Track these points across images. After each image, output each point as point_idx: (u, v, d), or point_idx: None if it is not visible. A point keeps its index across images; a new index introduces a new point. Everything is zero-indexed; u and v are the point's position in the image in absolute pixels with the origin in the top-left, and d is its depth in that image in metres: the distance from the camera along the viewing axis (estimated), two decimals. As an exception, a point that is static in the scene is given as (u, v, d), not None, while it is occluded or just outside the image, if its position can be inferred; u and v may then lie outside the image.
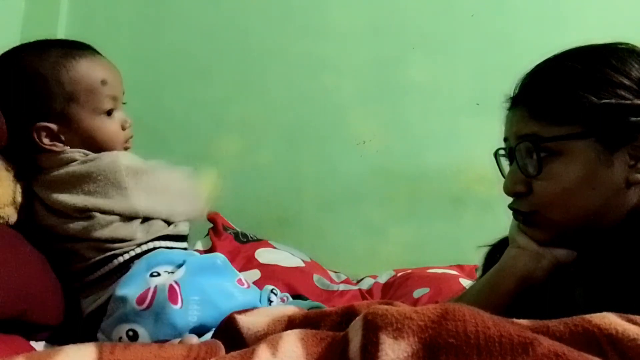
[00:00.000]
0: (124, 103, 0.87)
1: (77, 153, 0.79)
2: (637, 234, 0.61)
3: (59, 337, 0.74)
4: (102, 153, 0.79)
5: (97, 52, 0.85)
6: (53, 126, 0.78)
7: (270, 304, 0.79)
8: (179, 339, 0.63)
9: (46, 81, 0.78)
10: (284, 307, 0.68)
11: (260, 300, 0.80)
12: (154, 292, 0.71)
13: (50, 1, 1.66)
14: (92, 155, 0.79)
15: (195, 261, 0.77)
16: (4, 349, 0.59)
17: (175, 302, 0.70)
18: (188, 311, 0.70)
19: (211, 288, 0.74)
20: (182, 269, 0.74)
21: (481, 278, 0.75)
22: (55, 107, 0.78)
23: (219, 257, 0.80)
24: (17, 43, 0.83)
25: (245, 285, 0.81)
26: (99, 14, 1.74)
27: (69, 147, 0.79)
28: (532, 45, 1.25)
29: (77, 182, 0.77)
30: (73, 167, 0.78)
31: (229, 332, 0.53)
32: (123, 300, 0.70)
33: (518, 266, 0.68)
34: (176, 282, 0.72)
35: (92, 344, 0.42)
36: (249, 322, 0.53)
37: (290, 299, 0.86)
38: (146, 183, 0.79)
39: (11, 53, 0.82)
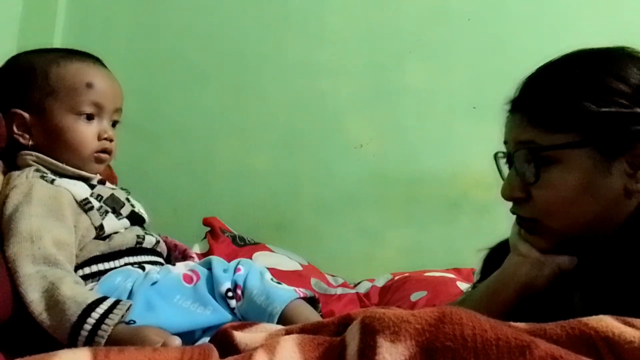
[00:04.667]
0: (116, 121, 0.85)
1: (30, 157, 0.79)
2: (635, 241, 0.61)
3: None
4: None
5: (103, 65, 0.85)
6: (26, 115, 0.78)
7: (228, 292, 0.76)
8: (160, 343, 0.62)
9: (33, 72, 0.79)
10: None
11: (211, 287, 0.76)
12: None
13: (48, 6, 1.65)
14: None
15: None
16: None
17: None
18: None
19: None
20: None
21: (482, 284, 0.75)
22: (34, 97, 0.78)
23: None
24: (14, 47, 0.84)
25: (194, 280, 0.77)
26: (96, 18, 1.74)
27: (31, 142, 0.79)
28: (528, 49, 1.26)
29: None
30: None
31: (225, 346, 0.52)
32: None
33: (520, 274, 0.68)
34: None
35: (86, 348, 0.42)
36: (246, 338, 0.53)
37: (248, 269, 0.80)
38: None
39: (23, 52, 0.84)
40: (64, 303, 0.63)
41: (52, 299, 0.63)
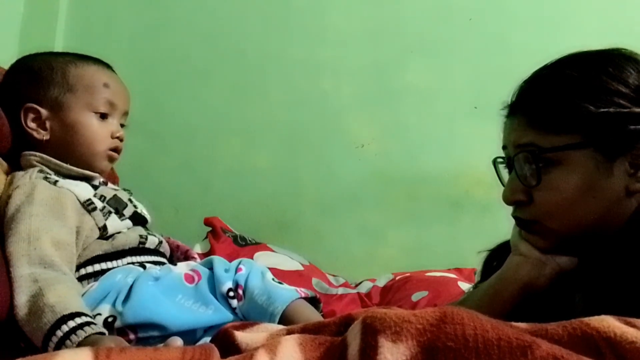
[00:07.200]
0: (122, 125, 0.87)
1: (34, 157, 0.79)
2: (637, 241, 0.61)
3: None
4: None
5: (114, 70, 0.87)
6: (43, 111, 0.80)
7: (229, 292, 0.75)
8: (162, 344, 0.62)
9: (52, 70, 0.81)
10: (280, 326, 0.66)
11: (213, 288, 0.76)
12: None
13: (49, 6, 1.66)
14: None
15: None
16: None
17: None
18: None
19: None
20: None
21: (483, 284, 0.75)
22: (52, 93, 0.80)
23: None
24: (15, 48, 0.84)
25: (196, 279, 0.76)
26: (97, 19, 1.74)
27: (45, 137, 0.80)
28: (530, 49, 1.26)
29: None
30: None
31: (226, 346, 0.52)
32: None
33: (521, 273, 0.68)
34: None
35: (87, 348, 0.42)
36: (247, 338, 0.53)
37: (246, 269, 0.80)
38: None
39: (34, 53, 0.86)
40: (42, 310, 0.62)
41: (35, 305, 0.63)
